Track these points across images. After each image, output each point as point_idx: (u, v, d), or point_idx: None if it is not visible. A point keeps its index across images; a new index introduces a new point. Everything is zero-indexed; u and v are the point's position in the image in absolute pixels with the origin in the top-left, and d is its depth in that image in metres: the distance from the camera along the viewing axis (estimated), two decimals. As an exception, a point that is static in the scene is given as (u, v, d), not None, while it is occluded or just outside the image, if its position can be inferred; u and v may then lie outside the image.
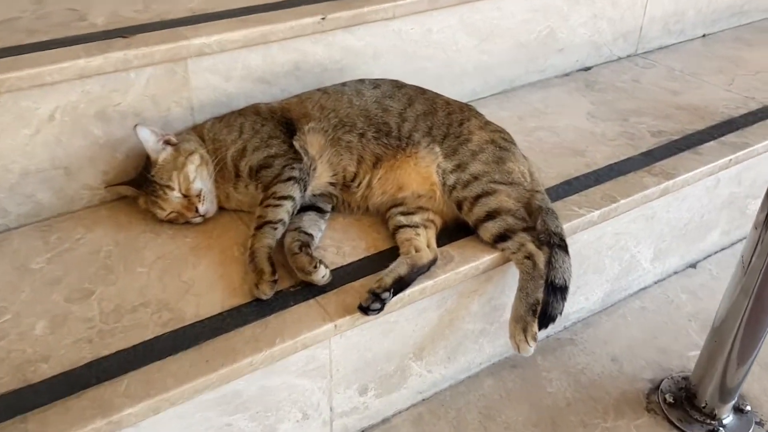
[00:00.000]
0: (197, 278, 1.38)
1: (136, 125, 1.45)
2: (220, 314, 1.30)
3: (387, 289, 1.31)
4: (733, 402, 1.55)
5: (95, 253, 1.45)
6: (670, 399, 1.59)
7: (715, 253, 2.07)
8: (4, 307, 1.31)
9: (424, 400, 1.59)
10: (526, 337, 1.39)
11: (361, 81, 1.68)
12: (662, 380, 1.65)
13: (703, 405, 1.54)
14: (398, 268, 1.36)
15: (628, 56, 2.41)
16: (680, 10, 2.45)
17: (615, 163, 1.80)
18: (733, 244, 2.10)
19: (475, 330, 1.59)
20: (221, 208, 1.57)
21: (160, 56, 1.51)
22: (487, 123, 1.65)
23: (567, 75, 2.28)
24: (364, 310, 1.29)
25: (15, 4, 1.75)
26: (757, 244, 1.33)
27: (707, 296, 1.91)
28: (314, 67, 1.74)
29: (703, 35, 2.60)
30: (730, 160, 1.84)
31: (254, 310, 1.31)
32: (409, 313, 1.43)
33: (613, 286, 1.84)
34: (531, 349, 1.40)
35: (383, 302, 1.30)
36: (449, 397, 1.61)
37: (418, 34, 1.87)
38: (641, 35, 2.39)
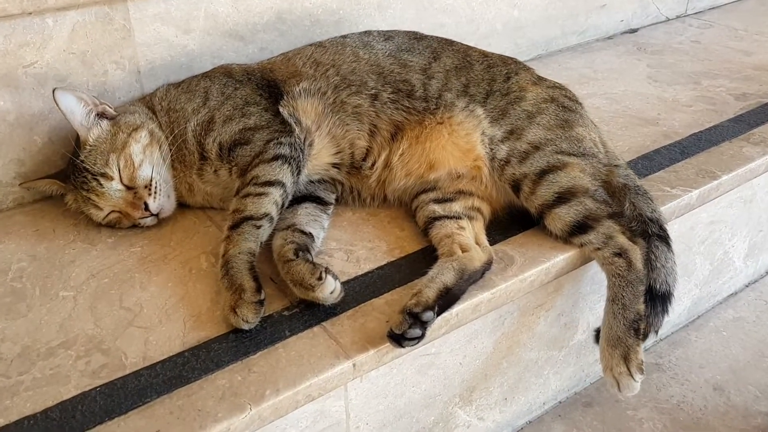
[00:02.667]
0: (146, 303, 0.94)
1: (54, 89, 1.02)
2: (179, 355, 0.86)
3: (429, 307, 0.88)
4: None
5: (1, 274, 1.00)
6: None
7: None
8: None
9: (474, 458, 1.15)
10: (629, 368, 0.97)
11: (368, 33, 1.26)
12: (789, 408, 1.23)
13: None
14: (441, 275, 0.93)
15: (678, 17, 2.02)
16: (734, -38, 2.06)
17: (700, 131, 1.39)
18: None
19: (539, 359, 1.15)
20: (182, 205, 1.14)
21: (92, -5, 1.08)
22: (541, 78, 1.22)
23: (610, 38, 1.88)
24: (398, 339, 0.86)
25: None
26: None
27: None
28: (303, 19, 1.32)
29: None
30: (841, 122, 1.42)
31: (232, 345, 0.87)
32: (455, 341, 1.00)
33: (702, 292, 1.42)
34: (637, 384, 0.97)
35: (424, 326, 0.87)
36: (508, 453, 1.17)
37: (435, -23, 1.46)
38: (691, -9, 2.00)
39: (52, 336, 0.89)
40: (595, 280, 1.14)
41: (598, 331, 1.03)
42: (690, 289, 1.39)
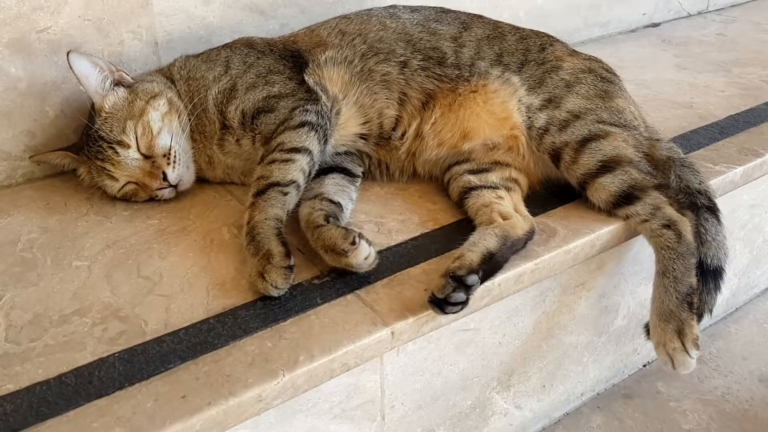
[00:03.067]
0: (166, 273, 0.88)
1: (69, 52, 0.96)
2: (203, 321, 0.79)
3: (473, 270, 0.81)
4: None
5: (10, 245, 0.95)
6: None
7: None
8: None
9: (513, 450, 1.08)
10: (684, 344, 0.90)
11: (393, 6, 1.21)
12: None
13: None
14: (484, 240, 0.87)
15: (699, 12, 1.99)
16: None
17: (737, 113, 1.33)
18: None
19: (579, 344, 1.08)
20: (201, 180, 1.07)
21: (108, -44, 1.03)
22: (576, 51, 1.17)
23: (633, 31, 1.84)
24: (440, 304, 0.79)
25: None
26: None
27: None
28: (324, -4, 1.27)
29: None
30: None
31: (260, 312, 0.80)
32: (495, 316, 0.93)
33: (741, 282, 1.35)
34: (693, 361, 0.90)
35: (468, 291, 0.80)
36: (548, 443, 1.10)
37: (459, -42, 1.41)
38: (711, -12, 1.97)
39: (65, 304, 0.83)
40: (638, 260, 1.08)
41: (647, 327, 0.96)
42: (729, 279, 1.31)
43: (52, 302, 0.83)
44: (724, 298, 1.34)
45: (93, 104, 1.01)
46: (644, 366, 1.25)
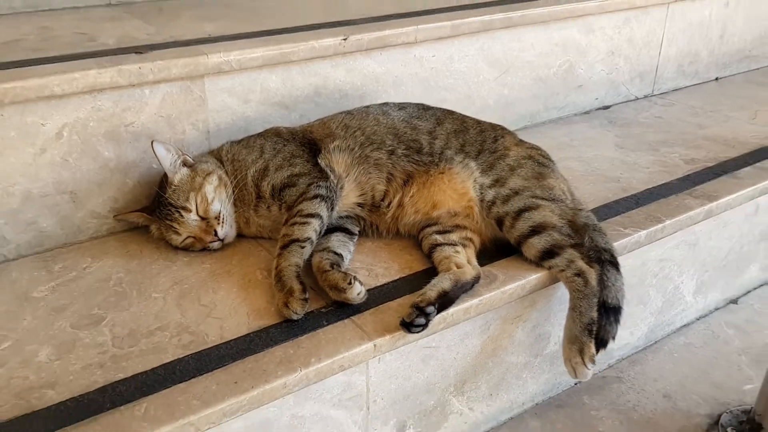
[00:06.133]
0: (218, 302, 1.25)
1: (152, 141, 1.36)
2: (246, 336, 1.16)
3: (431, 303, 1.19)
4: (807, 435, 1.40)
5: (104, 281, 1.32)
6: (733, 429, 1.45)
7: (755, 288, 1.96)
8: (4, 335, 1.16)
9: (466, 442, 1.43)
10: (583, 359, 1.26)
11: (385, 104, 1.60)
12: (720, 415, 1.51)
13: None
14: (441, 282, 1.24)
15: (645, 96, 2.37)
16: (693, 51, 2.43)
17: (653, 187, 1.72)
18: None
19: (518, 363, 1.44)
20: (240, 236, 1.45)
21: (177, 72, 1.43)
22: (522, 141, 1.56)
23: (587, 113, 2.22)
24: (407, 326, 1.16)
25: (17, 30, 1.68)
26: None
27: (755, 330, 1.79)
28: (334, 93, 1.67)
29: (716, 78, 2.57)
30: (770, 184, 1.75)
31: (284, 330, 1.17)
32: (450, 338, 1.30)
33: (657, 320, 1.71)
34: (589, 372, 1.27)
35: (428, 317, 1.17)
36: (493, 440, 1.45)
37: (439, 61, 1.81)
38: (657, 75, 2.36)
39: (150, 323, 1.20)
40: (563, 299, 1.43)
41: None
42: (645, 317, 1.68)
43: (141, 321, 1.20)
44: (643, 332, 1.70)
45: (166, 177, 1.39)
46: (575, 384, 1.61)
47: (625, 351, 1.68)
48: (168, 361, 1.10)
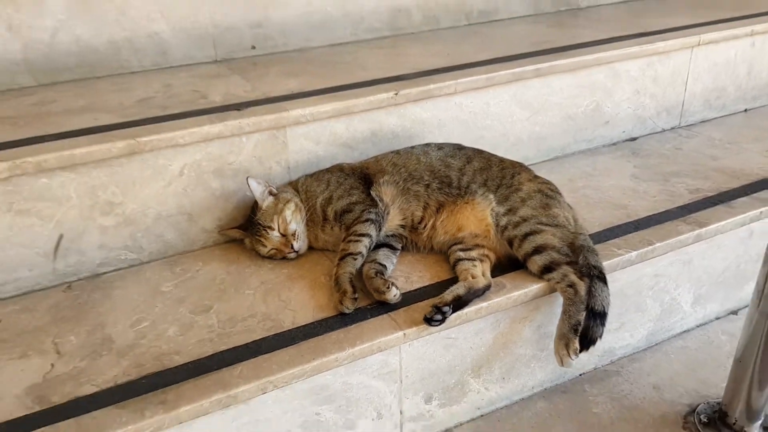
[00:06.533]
0: (292, 298, 1.70)
1: (248, 177, 1.82)
2: (311, 323, 1.60)
3: (447, 304, 1.59)
4: (761, 421, 1.71)
5: (212, 281, 1.79)
6: (704, 419, 1.77)
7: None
8: (143, 317, 1.65)
9: (482, 415, 1.82)
10: (568, 351, 1.63)
11: (427, 144, 2.01)
12: (698, 405, 1.83)
13: (733, 422, 1.72)
14: (457, 289, 1.64)
15: (672, 128, 2.67)
16: (720, 87, 2.71)
17: (654, 214, 2.04)
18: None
19: (526, 354, 1.82)
20: (310, 248, 1.90)
21: (266, 124, 1.89)
22: (536, 177, 1.94)
23: (614, 144, 2.55)
24: (428, 320, 1.57)
25: (148, 87, 2.19)
26: None
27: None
28: (387, 135, 2.09)
29: (745, 110, 2.83)
30: (761, 212, 2.05)
31: (338, 321, 1.60)
32: (467, 332, 1.69)
33: (656, 326, 2.04)
34: (572, 362, 1.63)
35: (444, 315, 1.58)
36: (505, 415, 1.83)
37: (477, 107, 2.21)
38: (683, 110, 2.66)
39: (244, 312, 1.65)
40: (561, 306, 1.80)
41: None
42: (644, 323, 2.02)
43: (237, 311, 1.66)
44: (643, 335, 2.03)
45: (256, 204, 1.85)
46: (580, 375, 1.97)
47: (627, 350, 2.02)
48: (256, 339, 1.55)
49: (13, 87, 2.15)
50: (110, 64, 2.24)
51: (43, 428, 1.33)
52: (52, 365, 1.50)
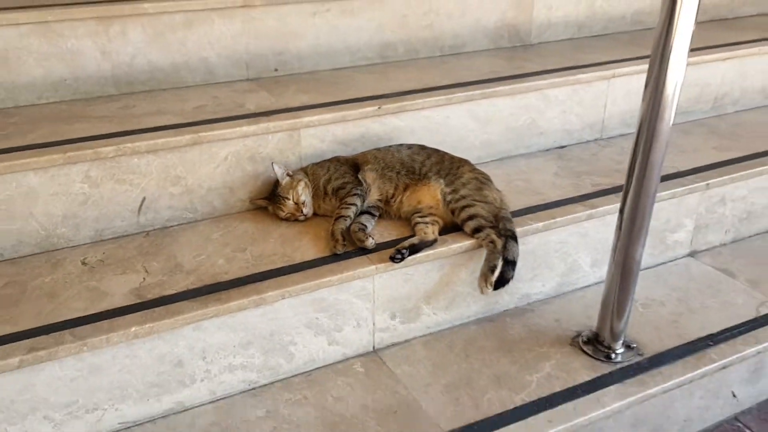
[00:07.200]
0: (302, 245, 2.50)
1: (272, 163, 2.62)
2: (314, 259, 2.39)
3: (405, 248, 2.38)
4: (622, 341, 2.50)
5: (245, 233, 2.59)
6: (585, 339, 2.56)
7: (644, 268, 3.03)
8: (201, 253, 2.44)
9: (431, 333, 2.60)
10: (486, 283, 2.43)
11: (401, 144, 2.82)
12: (583, 331, 2.62)
13: (602, 341, 2.51)
14: (413, 239, 2.44)
15: (595, 140, 3.46)
16: (633, 109, 3.50)
17: (561, 199, 2.82)
18: (657, 264, 3.06)
19: (463, 292, 2.62)
20: (315, 214, 2.69)
21: (285, 127, 2.69)
22: (474, 169, 2.74)
23: (547, 150, 3.34)
24: (392, 258, 2.37)
25: (201, 98, 2.99)
26: (622, 219, 2.34)
27: (636, 292, 2.87)
28: (373, 137, 2.89)
29: (655, 127, 3.62)
30: (641, 200, 2.84)
31: (332, 258, 2.39)
32: (420, 271, 2.48)
33: (563, 280, 2.82)
34: (489, 290, 2.43)
35: (402, 255, 2.37)
36: (447, 333, 2.61)
37: (440, 119, 3.01)
38: (603, 126, 3.46)
39: (269, 251, 2.44)
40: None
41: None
42: (553, 277, 2.79)
43: (264, 251, 2.43)
44: (552, 286, 2.81)
45: (277, 182, 2.65)
46: (504, 311, 2.75)
47: (539, 296, 2.80)
48: (277, 267, 2.35)
49: (103, 95, 2.95)
50: (172, 79, 3.05)
51: (143, 311, 2.13)
52: (144, 278, 2.30)
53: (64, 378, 2.02)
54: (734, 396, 2.63)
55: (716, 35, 3.96)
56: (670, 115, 2.07)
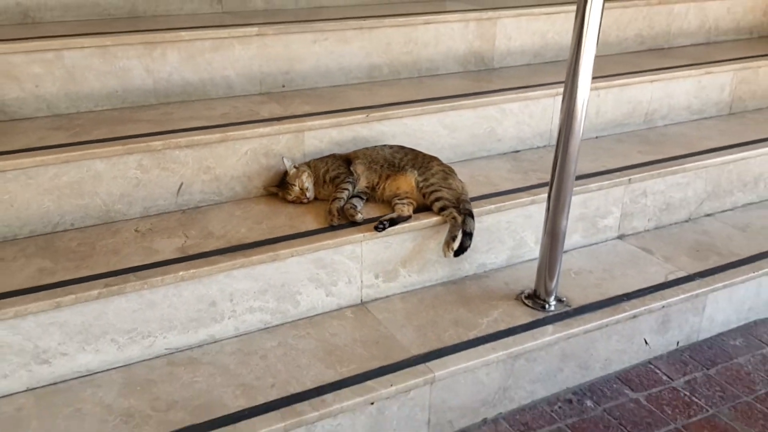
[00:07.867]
0: (306, 220, 3.20)
1: (283, 157, 3.35)
2: (315, 229, 3.10)
3: (386, 221, 3.11)
4: (554, 296, 3.22)
5: (261, 212, 3.30)
6: (526, 295, 3.27)
7: (579, 247, 3.76)
8: (226, 225, 3.15)
9: (407, 291, 3.30)
10: (448, 248, 3.15)
11: (384, 144, 3.55)
12: (525, 290, 3.34)
13: (539, 296, 3.23)
14: (392, 214, 3.17)
15: (544, 146, 4.18)
16: (577, 122, 4.26)
17: (511, 189, 3.56)
18: (591, 244, 3.79)
19: (432, 259, 3.33)
20: (316, 199, 3.40)
21: (293, 129, 3.42)
22: (442, 163, 3.48)
23: (504, 154, 4.07)
24: (376, 228, 3.07)
25: (224, 107, 3.72)
26: (549, 198, 3.07)
27: (571, 264, 3.60)
28: (362, 139, 3.62)
29: (596, 137, 4.38)
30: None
31: (330, 229, 3.10)
32: (398, 240, 3.19)
33: (512, 253, 3.54)
34: (450, 254, 3.15)
35: (384, 226, 3.08)
36: (419, 291, 3.31)
37: (416, 126, 3.74)
38: (551, 135, 4.18)
39: (279, 224, 3.15)
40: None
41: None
42: (504, 250, 3.50)
43: (276, 224, 3.14)
44: (503, 259, 3.52)
45: (286, 173, 3.37)
46: (465, 276, 3.46)
47: (494, 266, 3.51)
48: (286, 234, 3.06)
49: (146, 104, 3.67)
50: (200, 93, 3.77)
51: (186, 262, 2.83)
52: (185, 241, 3.00)
53: (128, 309, 2.71)
54: (646, 343, 3.34)
55: (650, 62, 4.73)
56: (580, 121, 2.81)
